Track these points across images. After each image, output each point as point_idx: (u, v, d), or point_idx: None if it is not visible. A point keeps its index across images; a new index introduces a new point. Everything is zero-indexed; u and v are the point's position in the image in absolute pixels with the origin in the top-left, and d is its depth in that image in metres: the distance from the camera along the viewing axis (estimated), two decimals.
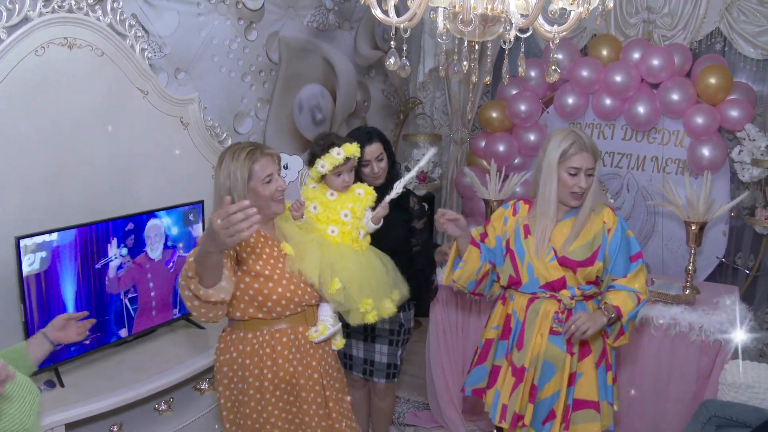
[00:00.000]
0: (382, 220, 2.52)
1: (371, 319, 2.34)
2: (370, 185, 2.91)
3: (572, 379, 2.45)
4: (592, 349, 2.47)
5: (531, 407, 2.46)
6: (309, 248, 2.26)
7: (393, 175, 3.02)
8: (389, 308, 2.40)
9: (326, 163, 2.39)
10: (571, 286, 2.44)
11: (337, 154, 2.40)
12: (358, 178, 2.97)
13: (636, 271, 2.42)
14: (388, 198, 2.50)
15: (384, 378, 3.11)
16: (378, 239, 2.75)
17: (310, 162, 2.49)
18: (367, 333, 3.07)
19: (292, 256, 2.23)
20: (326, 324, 2.30)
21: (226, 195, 2.14)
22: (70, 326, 2.05)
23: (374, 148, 2.91)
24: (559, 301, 2.44)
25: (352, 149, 2.43)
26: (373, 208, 2.56)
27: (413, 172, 2.52)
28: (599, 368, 2.49)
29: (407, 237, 3.01)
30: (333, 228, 2.39)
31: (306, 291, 2.25)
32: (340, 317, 2.40)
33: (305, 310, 2.30)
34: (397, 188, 2.49)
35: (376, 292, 2.35)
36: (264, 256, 2.21)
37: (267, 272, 2.18)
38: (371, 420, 3.40)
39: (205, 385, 3.11)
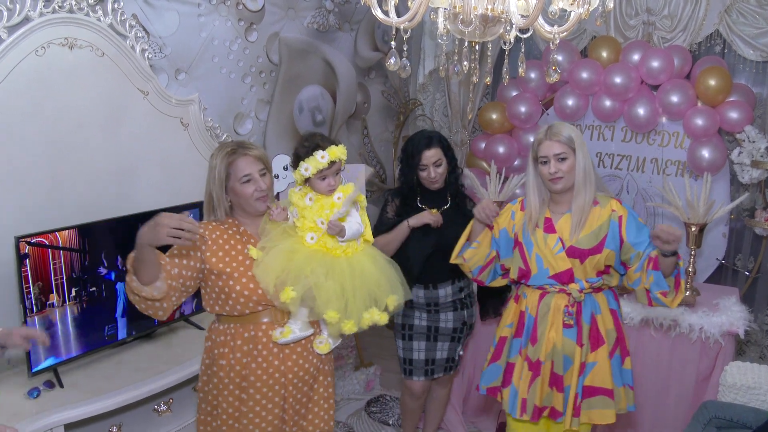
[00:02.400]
0: (347, 229, 2.29)
1: (347, 330, 2.21)
2: (428, 188, 3.03)
3: (582, 368, 2.48)
4: (605, 339, 2.51)
5: (561, 396, 2.50)
6: (272, 254, 2.20)
7: (452, 180, 3.07)
8: (371, 318, 2.24)
9: (310, 166, 2.26)
10: (579, 279, 2.47)
11: (321, 158, 2.25)
12: (418, 181, 3.03)
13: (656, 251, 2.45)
14: (333, 217, 2.27)
15: (442, 372, 3.19)
16: (437, 243, 2.93)
17: (294, 163, 2.41)
18: (429, 333, 3.13)
19: (257, 260, 2.21)
20: (291, 327, 2.25)
21: (207, 190, 2.28)
22: (15, 335, 2.05)
23: (433, 153, 2.95)
24: (569, 294, 2.47)
25: (337, 152, 2.30)
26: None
27: (343, 208, 2.29)
28: (614, 356, 2.53)
29: None
30: (312, 235, 2.26)
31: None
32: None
33: (270, 310, 2.26)
34: (343, 208, 2.28)
35: (360, 301, 2.23)
36: (233, 253, 2.22)
37: (229, 270, 2.20)
38: (427, 408, 3.47)
39: None
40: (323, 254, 2.26)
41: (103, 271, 2.81)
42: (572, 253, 2.46)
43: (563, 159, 2.43)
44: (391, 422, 3.87)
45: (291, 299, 2.14)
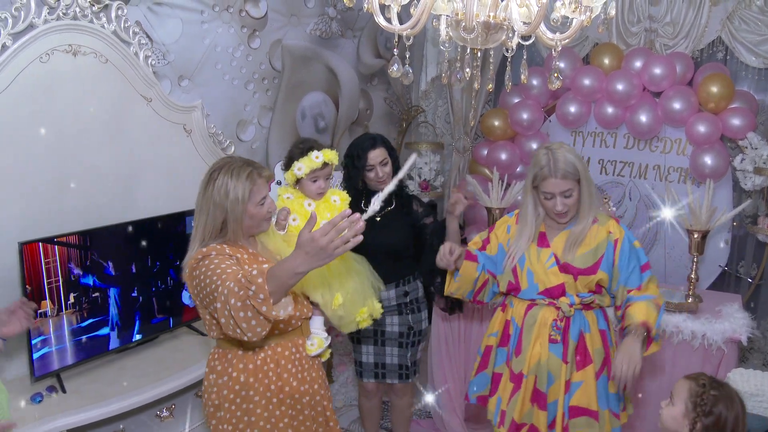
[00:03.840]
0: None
1: (364, 324, 2.34)
2: (375, 190, 2.97)
3: (567, 386, 2.44)
4: (593, 359, 2.46)
5: (544, 414, 2.45)
6: None
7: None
8: (378, 308, 2.41)
9: (304, 165, 2.34)
10: (570, 294, 2.43)
11: (316, 158, 2.35)
12: (364, 183, 3.03)
13: (648, 281, 2.42)
14: (364, 215, 2.25)
15: (396, 378, 3.17)
16: (381, 243, 2.81)
17: (287, 165, 2.44)
18: (377, 337, 3.11)
19: None
20: (321, 337, 2.29)
21: (217, 210, 2.09)
22: (14, 318, 2.05)
23: (378, 153, 2.97)
24: (558, 308, 2.43)
25: (330, 155, 2.39)
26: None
27: (391, 185, 2.29)
28: (600, 377, 2.47)
29: (411, 241, 3.08)
30: None
31: (304, 305, 2.25)
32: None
33: (302, 323, 2.28)
34: (374, 204, 2.24)
35: (366, 296, 2.35)
36: None
37: None
38: (391, 420, 3.48)
39: None
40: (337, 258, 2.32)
41: (108, 273, 2.82)
42: (565, 269, 2.41)
43: (569, 195, 2.36)
44: (391, 428, 3.86)
45: (340, 305, 2.23)
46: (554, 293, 2.43)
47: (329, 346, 2.39)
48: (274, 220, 2.33)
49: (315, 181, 2.39)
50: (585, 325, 2.45)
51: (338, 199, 2.42)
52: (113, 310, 2.87)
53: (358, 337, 3.13)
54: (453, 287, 2.61)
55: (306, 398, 2.23)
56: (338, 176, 3.74)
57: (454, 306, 3.31)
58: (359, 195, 3.04)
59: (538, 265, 2.44)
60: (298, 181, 2.39)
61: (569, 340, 2.42)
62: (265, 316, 1.82)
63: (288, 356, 2.20)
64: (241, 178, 2.09)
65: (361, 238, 1.76)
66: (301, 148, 2.42)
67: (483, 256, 2.60)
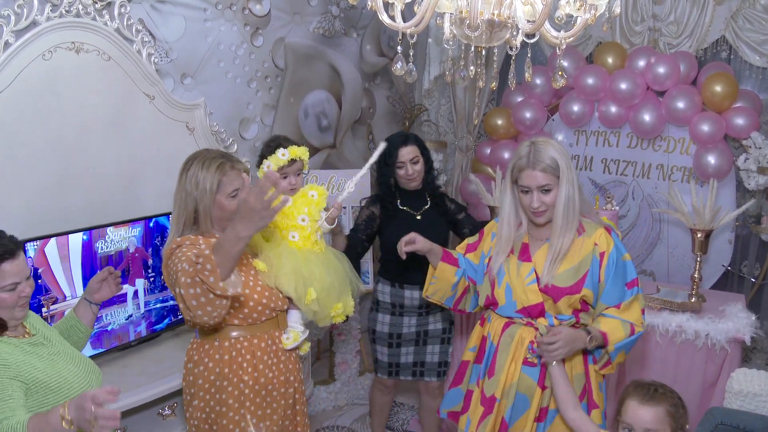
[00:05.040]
0: (336, 221, 2.51)
1: (338, 320, 2.35)
2: (404, 187, 3.01)
3: (542, 414, 2.23)
4: (572, 384, 2.21)
5: None
6: (280, 261, 2.25)
7: (429, 180, 3.08)
8: (352, 305, 2.41)
9: (271, 163, 2.40)
10: (549, 314, 2.21)
11: (282, 155, 2.40)
12: (396, 183, 3.06)
13: (630, 300, 2.20)
14: (339, 197, 2.43)
15: (435, 376, 3.18)
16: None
17: (258, 164, 2.49)
18: (419, 338, 3.13)
19: (266, 271, 2.23)
20: (297, 331, 2.30)
21: (189, 201, 2.14)
22: (105, 285, 2.21)
23: (409, 150, 2.99)
24: (536, 329, 2.22)
25: (298, 152, 2.43)
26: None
27: (363, 170, 2.44)
28: (581, 404, 2.21)
29: (448, 237, 3.17)
30: (293, 234, 2.33)
31: (279, 297, 2.26)
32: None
33: (278, 315, 2.29)
34: (349, 187, 2.40)
35: (341, 292, 2.35)
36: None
37: (242, 279, 2.16)
38: (421, 421, 3.50)
39: None
40: (313, 252, 2.34)
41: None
42: (546, 290, 2.19)
43: (547, 191, 2.16)
44: (395, 428, 3.86)
45: (313, 300, 2.22)
46: (533, 312, 2.22)
47: (307, 340, 2.41)
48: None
49: (285, 177, 2.44)
50: (530, 352, 2.23)
51: (316, 194, 2.41)
52: (115, 308, 2.87)
53: (398, 342, 3.12)
54: (430, 290, 2.48)
55: (281, 390, 2.27)
56: (342, 173, 3.75)
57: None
58: (391, 192, 3.05)
59: (518, 280, 2.23)
60: None
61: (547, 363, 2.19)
62: (212, 289, 1.82)
63: (264, 348, 2.23)
64: (211, 169, 2.15)
65: (288, 199, 1.86)
66: (270, 147, 2.48)
67: (465, 262, 2.45)
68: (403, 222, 3.02)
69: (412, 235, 2.44)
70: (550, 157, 2.14)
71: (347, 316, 2.43)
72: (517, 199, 2.26)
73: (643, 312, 2.24)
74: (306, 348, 2.41)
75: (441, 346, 3.15)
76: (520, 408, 2.24)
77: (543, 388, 2.22)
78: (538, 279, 2.21)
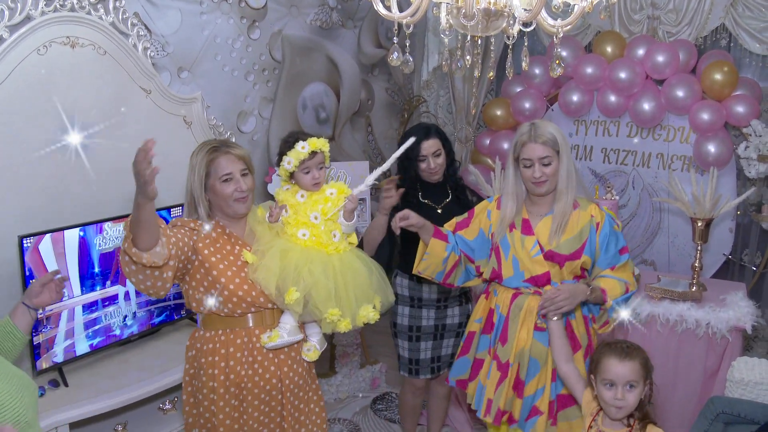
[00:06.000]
0: (355, 216, 2.40)
1: (343, 328, 2.20)
2: (428, 181, 2.96)
3: (554, 375, 2.40)
4: (581, 343, 2.44)
5: (519, 403, 2.44)
6: (269, 255, 2.18)
7: (451, 172, 3.06)
8: (366, 315, 2.24)
9: (292, 158, 2.28)
10: (555, 282, 2.41)
11: (302, 148, 2.27)
12: (416, 172, 3.00)
13: (623, 264, 2.42)
14: (355, 191, 2.36)
15: (447, 368, 3.15)
16: None
17: (278, 162, 2.42)
18: (437, 332, 3.10)
19: (253, 264, 2.18)
20: (279, 332, 2.22)
21: (187, 185, 2.23)
22: (45, 290, 2.08)
23: (431, 143, 2.95)
24: None
25: (318, 143, 2.31)
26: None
27: (386, 165, 2.37)
28: (586, 361, 2.42)
29: None
30: (304, 231, 2.25)
31: (260, 292, 2.19)
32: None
33: (262, 312, 2.23)
34: (368, 182, 2.36)
35: (353, 299, 2.22)
36: (224, 252, 2.18)
37: (221, 266, 2.15)
38: (428, 407, 3.48)
39: None
40: (318, 252, 2.24)
41: (109, 266, 2.81)
42: (550, 257, 2.40)
43: (547, 164, 2.37)
44: (397, 420, 3.86)
45: (295, 300, 2.12)
46: (539, 281, 2.42)
47: (317, 349, 2.33)
48: (267, 214, 2.30)
49: (307, 172, 2.32)
50: (570, 312, 2.43)
51: (335, 191, 2.33)
52: (114, 303, 2.87)
53: (417, 336, 3.10)
54: (422, 266, 2.56)
55: (256, 389, 2.21)
56: (341, 166, 3.72)
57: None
58: (414, 185, 3.02)
59: (523, 252, 2.42)
60: (292, 176, 2.34)
61: None
62: (127, 253, 1.93)
63: (239, 344, 2.20)
64: (201, 153, 2.20)
65: (158, 168, 1.87)
66: (288, 142, 2.37)
67: (457, 237, 2.57)
68: (424, 215, 2.97)
69: (406, 211, 2.46)
70: (550, 132, 2.37)
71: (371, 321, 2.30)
72: (520, 178, 2.45)
73: (633, 274, 2.48)
74: (311, 356, 2.32)
75: (455, 339, 3.13)
76: (532, 371, 2.42)
77: None
78: (542, 249, 2.40)
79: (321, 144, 2.32)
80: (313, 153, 2.30)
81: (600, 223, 2.41)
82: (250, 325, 2.22)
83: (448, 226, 2.63)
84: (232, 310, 2.17)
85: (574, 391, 2.27)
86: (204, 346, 2.22)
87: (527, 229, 2.45)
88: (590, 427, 2.15)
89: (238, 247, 2.22)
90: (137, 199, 1.89)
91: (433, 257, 2.52)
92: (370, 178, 2.35)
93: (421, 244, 2.57)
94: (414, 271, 2.62)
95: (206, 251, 2.15)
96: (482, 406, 2.50)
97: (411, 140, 2.51)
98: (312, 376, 2.40)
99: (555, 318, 2.31)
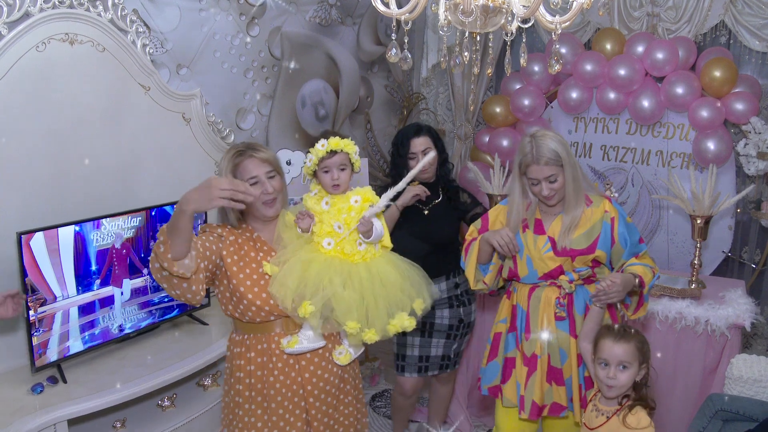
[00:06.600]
0: (374, 232, 2.20)
1: (370, 339, 2.13)
2: (419, 180, 2.92)
3: (580, 360, 2.47)
4: None
5: (563, 389, 2.48)
6: (286, 268, 2.12)
7: (443, 173, 3.05)
8: (398, 324, 2.15)
9: (312, 156, 2.22)
10: (568, 272, 2.47)
11: (321, 146, 2.20)
12: (407, 171, 2.94)
13: (644, 252, 2.52)
14: (367, 213, 2.19)
15: (437, 369, 3.15)
16: (428, 236, 2.86)
17: None
18: (424, 329, 3.09)
19: (273, 276, 2.13)
20: (299, 338, 2.17)
21: None
22: (6, 303, 2.08)
23: (421, 141, 2.95)
24: (559, 287, 2.47)
25: (339, 143, 2.21)
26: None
27: (400, 185, 2.24)
28: None
29: (458, 233, 3.08)
30: (329, 240, 2.17)
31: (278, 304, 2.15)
32: None
33: (282, 319, 2.18)
34: (381, 203, 2.21)
35: (382, 308, 2.14)
36: (246, 259, 2.15)
37: (241, 276, 2.12)
38: (430, 406, 3.48)
39: (208, 381, 3.10)
40: (340, 261, 2.16)
41: (107, 263, 2.81)
42: (562, 253, 2.45)
43: (553, 181, 2.41)
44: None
45: (310, 314, 2.06)
46: (553, 275, 2.48)
47: (349, 353, 2.26)
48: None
49: (327, 171, 2.22)
50: (588, 297, 2.47)
51: (360, 198, 2.22)
52: (113, 300, 2.87)
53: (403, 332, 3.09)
54: (488, 279, 2.60)
55: (279, 396, 2.19)
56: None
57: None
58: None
59: (536, 251, 2.48)
60: (315, 175, 2.29)
61: (575, 314, 2.47)
62: (160, 260, 1.90)
63: (260, 350, 2.18)
64: (227, 157, 2.17)
65: (251, 198, 1.87)
66: (317, 139, 2.32)
67: None
68: (410, 216, 2.96)
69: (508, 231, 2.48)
70: (551, 150, 2.38)
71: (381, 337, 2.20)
72: (526, 187, 2.51)
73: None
74: (342, 359, 2.25)
75: (446, 341, 3.12)
76: (560, 359, 2.49)
77: (575, 337, 2.47)
78: (553, 247, 2.47)
79: (343, 144, 2.22)
80: (333, 152, 2.21)
81: (615, 218, 2.47)
82: (277, 330, 2.19)
83: (469, 236, 2.66)
84: (252, 317, 2.15)
85: (590, 370, 2.37)
86: (234, 348, 2.23)
87: (539, 228, 2.50)
88: (590, 401, 2.31)
89: (262, 254, 2.17)
90: (183, 206, 1.85)
91: (496, 267, 2.60)
92: (384, 200, 2.22)
93: (474, 259, 2.57)
94: (476, 287, 2.63)
95: (229, 259, 2.13)
96: (517, 403, 2.51)
97: (431, 154, 2.48)
98: (345, 379, 2.33)
99: (599, 305, 2.39)
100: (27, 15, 2.58)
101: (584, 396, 2.48)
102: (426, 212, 3.02)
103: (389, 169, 3.08)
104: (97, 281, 2.78)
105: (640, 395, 2.19)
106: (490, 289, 2.66)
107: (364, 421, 2.41)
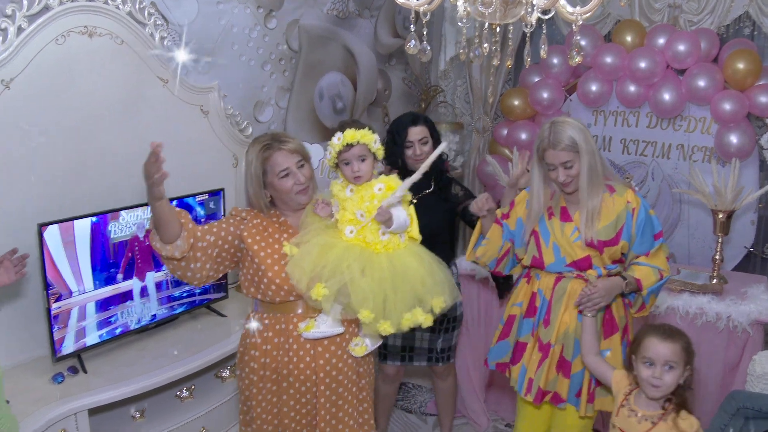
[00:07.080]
0: (395, 221, 2.17)
1: (384, 330, 2.09)
2: (414, 169, 2.89)
3: None
4: (618, 326, 2.49)
5: (566, 382, 2.49)
6: (304, 249, 2.13)
7: (437, 163, 3.02)
8: (412, 320, 2.11)
9: (331, 148, 2.22)
10: (597, 266, 2.45)
11: (337, 140, 2.19)
12: (403, 164, 2.97)
13: (657, 249, 2.46)
14: (384, 202, 2.17)
15: (425, 360, 3.14)
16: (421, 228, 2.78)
17: None
18: None
19: (290, 256, 2.15)
20: (316, 322, 2.17)
21: (245, 182, 2.25)
22: (4, 268, 2.13)
23: (418, 130, 2.94)
24: (586, 280, 2.44)
25: (354, 136, 2.18)
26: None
27: (416, 176, 2.23)
28: (622, 342, 2.51)
29: (446, 225, 3.05)
30: (351, 228, 2.17)
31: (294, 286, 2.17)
32: None
33: (303, 301, 2.18)
34: (398, 193, 2.20)
35: (400, 301, 2.10)
36: (270, 240, 2.20)
37: (263, 254, 2.18)
38: (437, 405, 3.48)
39: (226, 373, 3.12)
40: (361, 249, 2.15)
41: (126, 254, 2.83)
42: (591, 244, 2.43)
43: (570, 166, 2.39)
44: (413, 410, 3.87)
45: (323, 297, 2.05)
46: (582, 266, 2.45)
47: (365, 345, 2.26)
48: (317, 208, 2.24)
49: (347, 164, 2.21)
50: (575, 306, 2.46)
51: (383, 186, 2.20)
52: (133, 291, 2.89)
53: None
54: (479, 252, 2.62)
55: (291, 377, 2.21)
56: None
57: (503, 291, 3.34)
58: (399, 173, 2.99)
59: (563, 239, 2.46)
60: (337, 167, 2.28)
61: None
62: (151, 242, 2.09)
63: (278, 330, 2.22)
64: (255, 151, 2.20)
65: (167, 174, 1.96)
66: (334, 131, 2.28)
67: (506, 226, 2.61)
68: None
69: (488, 195, 2.54)
70: (568, 137, 2.37)
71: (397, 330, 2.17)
72: (546, 173, 2.49)
73: (667, 259, 2.52)
74: (357, 351, 2.24)
75: (431, 335, 3.09)
76: (575, 351, 2.47)
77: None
78: (581, 236, 2.44)
79: (359, 136, 2.19)
80: (349, 145, 2.19)
81: (636, 209, 2.43)
82: (298, 312, 2.21)
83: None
84: (272, 297, 2.19)
85: (603, 379, 2.35)
86: (251, 327, 2.27)
87: (566, 216, 2.49)
88: (622, 405, 2.20)
89: (286, 236, 2.22)
90: (147, 199, 2.02)
91: (492, 243, 2.60)
92: (400, 190, 2.20)
93: (477, 230, 2.64)
94: (469, 258, 2.67)
95: (250, 239, 2.19)
96: (524, 385, 2.54)
97: (443, 145, 2.44)
98: (361, 374, 2.33)
99: (590, 314, 2.37)
100: (47, 8, 2.59)
101: (592, 391, 2.48)
102: (414, 201, 3.00)
103: (384, 159, 3.05)
104: (119, 275, 2.80)
105: (682, 398, 2.13)
106: (486, 265, 2.65)
107: (370, 420, 2.40)
